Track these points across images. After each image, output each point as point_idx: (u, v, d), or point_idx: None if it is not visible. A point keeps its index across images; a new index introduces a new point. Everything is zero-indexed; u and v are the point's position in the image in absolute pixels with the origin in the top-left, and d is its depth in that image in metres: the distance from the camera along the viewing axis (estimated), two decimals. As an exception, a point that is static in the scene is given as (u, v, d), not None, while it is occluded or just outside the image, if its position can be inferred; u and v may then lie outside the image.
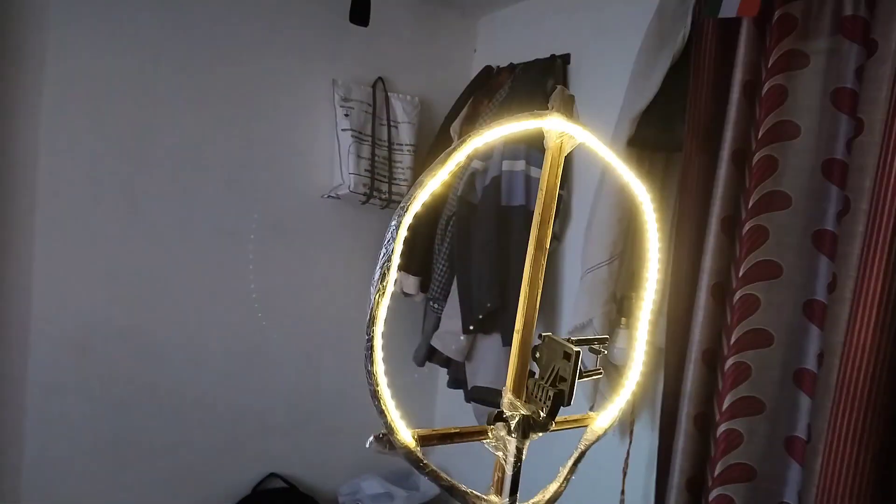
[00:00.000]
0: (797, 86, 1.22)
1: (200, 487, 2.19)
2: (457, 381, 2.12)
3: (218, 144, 2.05)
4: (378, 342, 0.67)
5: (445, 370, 2.20)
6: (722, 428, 1.31)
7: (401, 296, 2.21)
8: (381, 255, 0.66)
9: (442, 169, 0.67)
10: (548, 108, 0.76)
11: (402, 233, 0.66)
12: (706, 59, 1.35)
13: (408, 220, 0.66)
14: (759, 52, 1.27)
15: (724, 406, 1.30)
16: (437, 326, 2.07)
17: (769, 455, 1.30)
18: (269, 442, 2.29)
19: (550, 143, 0.79)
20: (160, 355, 2.07)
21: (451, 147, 0.68)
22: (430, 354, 2.14)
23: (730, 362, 1.29)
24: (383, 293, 0.65)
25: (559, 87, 0.79)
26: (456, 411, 2.39)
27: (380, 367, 0.68)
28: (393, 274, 0.66)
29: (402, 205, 0.66)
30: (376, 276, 0.66)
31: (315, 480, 2.37)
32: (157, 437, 2.10)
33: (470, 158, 1.96)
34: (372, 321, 0.66)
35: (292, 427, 2.32)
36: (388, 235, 0.65)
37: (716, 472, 1.31)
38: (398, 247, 0.66)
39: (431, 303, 2.10)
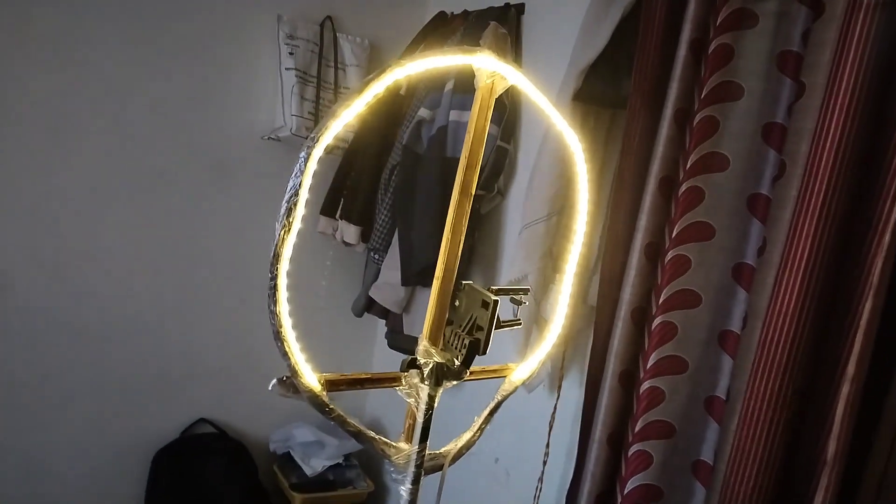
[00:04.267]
0: (744, 46, 1.20)
1: (126, 431, 2.15)
2: (394, 332, 2.10)
3: (152, 76, 1.95)
4: (282, 281, 0.64)
5: (384, 321, 2.18)
6: (645, 385, 1.32)
7: (342, 246, 2.16)
8: (288, 188, 0.62)
9: (358, 98, 0.63)
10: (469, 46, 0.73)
11: (312, 165, 0.62)
12: (656, 13, 1.32)
13: (318, 151, 0.62)
14: (708, 10, 1.24)
15: (649, 364, 1.31)
16: (376, 277, 2.04)
17: (689, 414, 1.32)
18: (200, 386, 2.26)
19: (480, 82, 0.75)
20: (85, 293, 1.99)
21: (371, 76, 0.64)
22: (369, 305, 2.12)
23: (657, 321, 1.30)
24: (289, 229, 0.62)
25: (492, 23, 0.75)
26: (394, 363, 2.39)
27: (284, 308, 0.65)
28: (300, 209, 0.62)
29: (311, 135, 0.62)
30: (282, 210, 0.62)
31: (246, 426, 2.35)
32: (79, 378, 2.04)
33: (416, 105, 1.90)
34: (276, 258, 0.63)
35: (224, 372, 2.28)
36: (296, 168, 0.61)
37: (636, 429, 1.33)
38: (307, 180, 0.62)
39: (372, 253, 2.06)
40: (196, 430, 2.26)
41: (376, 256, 2.05)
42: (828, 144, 1.06)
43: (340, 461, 2.27)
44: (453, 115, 1.81)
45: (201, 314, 2.21)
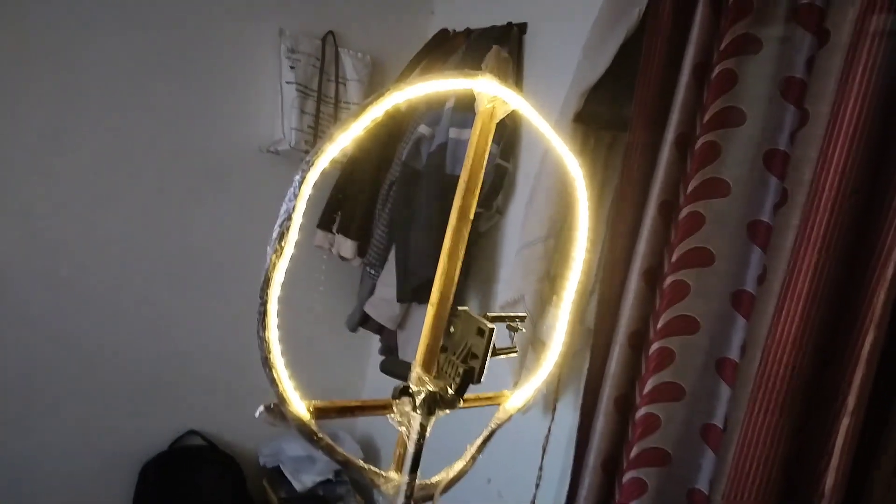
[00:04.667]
0: (747, 71, 1.19)
1: (115, 441, 2.12)
2: (389, 348, 2.09)
3: (153, 86, 1.94)
4: (273, 307, 0.62)
5: (378, 337, 2.16)
6: (641, 412, 1.30)
7: (337, 260, 2.15)
8: (281, 212, 0.60)
9: (356, 122, 0.62)
10: (471, 70, 0.71)
11: (307, 189, 0.60)
12: (659, 37, 1.31)
13: (313, 175, 0.60)
14: (712, 34, 1.24)
15: (646, 390, 1.30)
16: (372, 293, 2.02)
17: (685, 441, 1.30)
18: (190, 398, 2.23)
19: (481, 106, 0.74)
20: (76, 300, 1.98)
21: (369, 100, 0.63)
22: (364, 321, 2.10)
23: (654, 347, 1.28)
24: (280, 254, 0.60)
25: (494, 46, 0.74)
26: (387, 379, 2.36)
27: (273, 334, 0.63)
28: (293, 234, 0.61)
29: (307, 158, 0.60)
30: (275, 234, 0.60)
31: (236, 439, 2.32)
32: (69, 386, 2.01)
33: (416, 122, 1.90)
34: (266, 283, 0.61)
35: (214, 384, 2.26)
36: (290, 192, 0.60)
37: (631, 455, 1.31)
38: (300, 205, 0.60)
39: (368, 268, 2.05)
40: (185, 441, 2.24)
41: (372, 272, 2.03)
42: (830, 174, 1.05)
43: (331, 477, 2.24)
44: (453, 133, 1.80)
45: (194, 325, 2.19)
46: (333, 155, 0.61)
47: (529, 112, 0.76)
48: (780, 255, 1.14)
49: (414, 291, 1.85)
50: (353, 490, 2.32)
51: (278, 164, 2.15)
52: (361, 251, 2.10)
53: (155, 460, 2.15)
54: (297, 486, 2.16)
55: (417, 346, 2.01)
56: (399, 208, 1.91)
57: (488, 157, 1.91)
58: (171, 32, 1.92)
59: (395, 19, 2.30)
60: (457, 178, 1.87)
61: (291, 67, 2.00)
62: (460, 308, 0.80)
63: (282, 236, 0.60)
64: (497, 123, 1.57)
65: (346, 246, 2.07)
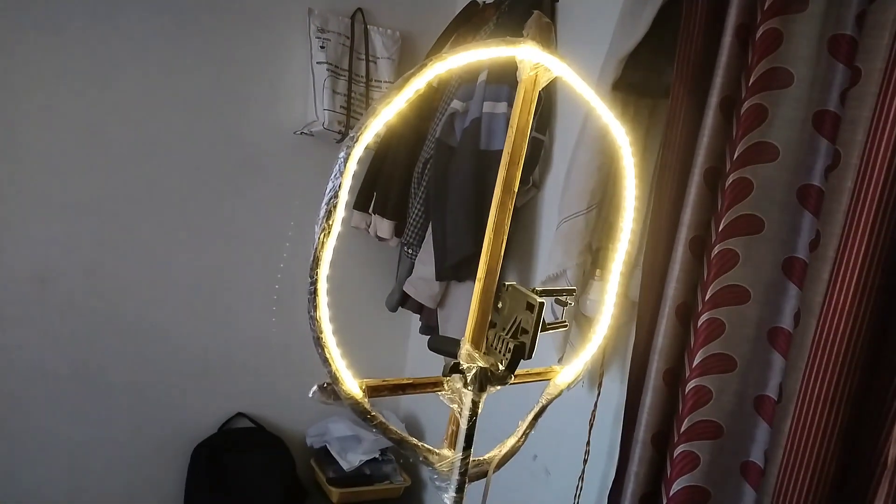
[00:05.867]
0: (793, 31, 1.14)
1: (164, 425, 2.17)
2: (429, 327, 2.09)
3: (185, 73, 1.95)
4: (322, 286, 0.62)
5: (418, 316, 2.16)
6: (691, 384, 1.28)
7: (375, 240, 2.15)
8: (328, 190, 0.60)
9: (398, 95, 0.60)
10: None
11: (352, 166, 0.59)
12: (698, 0, 1.27)
13: (358, 151, 0.59)
14: (755, -7, 1.19)
15: (695, 362, 1.27)
16: (410, 272, 2.02)
17: (738, 413, 1.27)
18: (237, 381, 2.27)
19: (524, 75, 0.72)
20: (123, 289, 2.01)
21: (410, 72, 0.61)
22: (403, 300, 2.10)
23: (703, 318, 1.25)
24: (328, 232, 0.60)
25: (536, 12, 0.72)
26: (428, 358, 2.37)
27: (324, 313, 0.63)
28: (340, 211, 0.60)
29: (351, 134, 0.59)
30: (321, 213, 0.60)
31: (283, 421, 2.36)
32: (119, 373, 2.06)
33: (449, 97, 1.87)
34: (316, 263, 0.60)
35: (261, 367, 2.29)
36: (336, 169, 0.59)
37: (682, 429, 1.29)
38: (346, 181, 0.59)
39: (406, 248, 2.04)
40: (234, 424, 2.28)
41: (410, 251, 2.03)
42: (886, 133, 1.00)
43: (377, 455, 2.27)
44: (487, 107, 1.78)
45: (237, 309, 2.21)
46: (378, 129, 0.60)
47: (573, 79, 0.74)
48: (834, 220, 1.10)
49: (453, 269, 1.84)
50: (399, 468, 2.34)
51: (312, 146, 2.15)
52: (399, 231, 2.09)
53: (206, 443, 2.19)
54: (345, 466, 2.19)
55: (457, 324, 2.01)
56: (434, 186, 1.90)
57: (524, 131, 1.87)
58: (199, 17, 1.93)
59: (423, -7, 2.27)
60: (492, 153, 1.85)
61: (321, 47, 1.99)
62: (507, 283, 0.79)
63: (329, 214, 0.59)
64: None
65: (384, 226, 2.06)
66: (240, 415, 2.28)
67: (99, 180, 1.92)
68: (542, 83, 0.73)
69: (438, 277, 1.87)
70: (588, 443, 1.64)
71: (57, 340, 1.96)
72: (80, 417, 2.03)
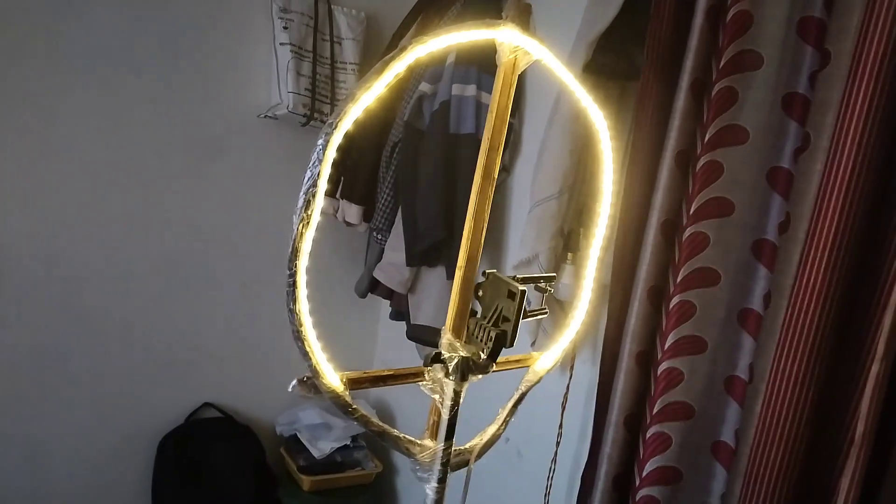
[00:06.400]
0: (763, 13, 1.15)
1: (131, 417, 2.12)
2: (399, 313, 2.07)
3: (144, 54, 1.88)
4: (302, 278, 0.60)
5: (388, 302, 2.14)
6: (663, 366, 1.29)
7: (343, 225, 2.12)
8: (306, 178, 0.57)
9: (378, 80, 0.58)
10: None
11: (331, 154, 0.57)
12: (670, -20, 1.26)
13: (337, 139, 0.57)
14: (725, -25, 1.19)
15: (667, 344, 1.28)
16: (380, 258, 2.00)
17: (708, 394, 1.29)
18: (204, 371, 2.22)
19: (503, 58, 0.70)
20: (83, 278, 1.95)
21: (390, 55, 0.59)
22: (373, 286, 2.08)
23: (675, 300, 1.27)
24: (307, 223, 0.57)
25: (514, -6, 0.70)
26: (398, 343, 2.36)
27: (304, 306, 0.61)
28: (319, 201, 0.58)
29: (330, 121, 0.57)
30: (300, 203, 0.58)
31: (252, 410, 2.33)
32: (82, 365, 2.00)
33: (417, 80, 1.85)
34: (294, 254, 0.58)
35: (228, 356, 2.25)
36: (314, 156, 0.57)
37: (654, 410, 1.31)
38: (325, 170, 0.57)
39: (374, 233, 2.02)
40: (201, 414, 2.24)
41: (379, 236, 2.00)
42: (855, 115, 1.01)
43: (348, 442, 2.25)
44: (455, 90, 1.76)
45: (202, 297, 2.17)
46: (357, 116, 0.58)
47: (553, 62, 0.73)
48: (804, 202, 1.11)
49: (423, 254, 1.83)
50: (371, 454, 2.33)
51: (277, 129, 2.10)
52: (367, 216, 2.07)
53: (172, 434, 2.15)
54: (315, 453, 2.17)
55: (429, 309, 1.99)
56: (403, 170, 1.88)
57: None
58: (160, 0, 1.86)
59: (388, -27, 2.23)
60: (462, 136, 1.83)
61: (284, 28, 1.93)
62: (488, 271, 0.78)
63: (307, 204, 0.57)
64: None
65: (352, 211, 2.04)
66: (207, 405, 2.24)
67: (56, 165, 1.84)
68: (521, 67, 0.72)
69: (409, 263, 1.85)
70: (560, 425, 1.65)
71: (14, 332, 1.89)
72: (40, 412, 1.97)
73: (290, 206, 2.05)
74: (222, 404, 2.27)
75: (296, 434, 2.26)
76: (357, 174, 2.02)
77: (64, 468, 2.05)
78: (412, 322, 1.95)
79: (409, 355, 2.06)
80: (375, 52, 2.13)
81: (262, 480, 2.21)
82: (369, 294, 2.13)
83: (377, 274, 1.98)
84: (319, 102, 2.00)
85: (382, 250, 1.99)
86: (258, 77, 2.04)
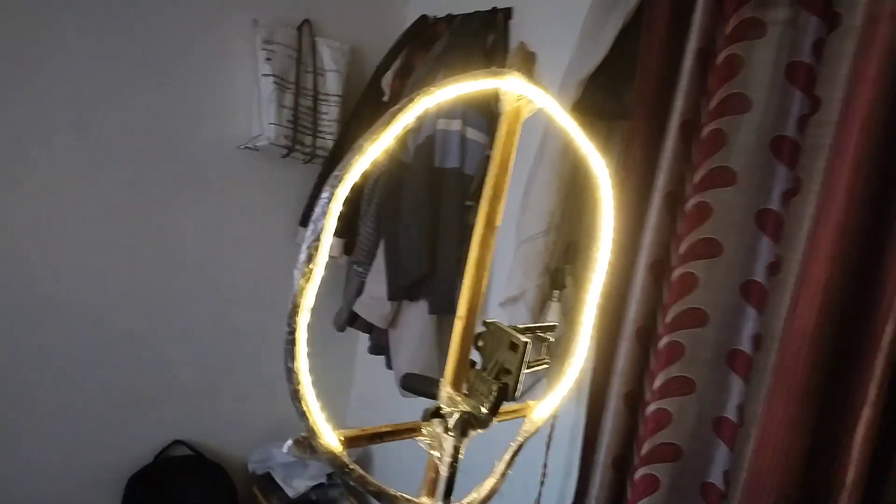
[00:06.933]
0: (753, 57, 1.16)
1: (97, 455, 2.04)
2: (379, 347, 2.04)
3: (124, 82, 1.84)
4: (302, 335, 0.57)
5: (367, 336, 2.11)
6: (652, 407, 1.28)
7: (322, 256, 2.08)
8: (309, 232, 0.55)
9: (385, 132, 0.56)
10: (496, 66, 0.66)
11: (336, 207, 0.55)
12: (659, 23, 1.27)
13: (343, 192, 0.55)
14: (715, 19, 1.20)
15: (656, 385, 1.27)
16: (360, 291, 1.97)
17: (697, 435, 1.28)
18: (174, 407, 2.15)
19: (507, 106, 0.69)
20: (50, 308, 1.88)
21: (398, 106, 0.57)
22: (352, 320, 2.04)
23: (664, 341, 1.26)
24: (310, 278, 0.55)
25: (520, 42, 0.69)
26: (376, 378, 2.31)
27: (304, 364, 0.58)
28: (323, 256, 0.55)
29: (335, 173, 0.55)
30: (302, 257, 0.55)
31: (223, 447, 2.25)
32: (46, 401, 1.92)
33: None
34: (295, 310, 0.55)
35: (199, 391, 2.18)
36: (318, 210, 0.54)
37: (643, 451, 1.29)
38: (330, 224, 0.55)
39: (355, 266, 1.99)
40: (171, 452, 2.16)
41: (360, 269, 1.97)
42: (847, 161, 1.02)
43: (323, 480, 2.19)
44: (441, 124, 1.75)
45: (174, 330, 2.10)
46: (364, 168, 0.55)
47: (556, 110, 0.72)
48: (795, 245, 1.12)
49: (406, 289, 1.80)
50: (347, 492, 2.27)
51: (258, 161, 2.07)
52: (348, 249, 2.04)
53: (141, 473, 2.07)
54: (290, 493, 2.11)
55: (410, 345, 1.95)
56: (386, 203, 1.86)
57: (477, 149, 1.85)
58: (140, 26, 1.82)
59: (371, 6, 2.22)
60: (446, 170, 1.82)
61: (268, 59, 1.91)
62: (488, 321, 0.76)
63: (310, 258, 0.54)
64: (484, 114, 1.51)
65: (332, 244, 2.00)
66: (177, 442, 2.17)
67: (25, 192, 1.78)
68: (525, 115, 0.70)
69: (391, 297, 1.82)
70: (545, 464, 1.62)
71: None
72: (5, 451, 1.88)
73: (270, 236, 2.03)
74: (193, 441, 2.19)
75: (269, 472, 2.20)
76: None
77: (27, 507, 1.96)
78: (394, 359, 1.92)
79: (388, 390, 2.02)
80: (358, 83, 2.11)
81: (235, 520, 2.14)
82: (347, 328, 2.09)
83: (357, 308, 1.95)
84: (301, 134, 1.98)
85: (363, 283, 1.96)
86: (240, 108, 2.01)
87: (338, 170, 0.55)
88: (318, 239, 0.55)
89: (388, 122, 0.56)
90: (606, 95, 1.37)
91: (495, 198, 0.70)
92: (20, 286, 1.83)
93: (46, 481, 1.97)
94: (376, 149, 0.56)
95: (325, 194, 0.55)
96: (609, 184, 0.80)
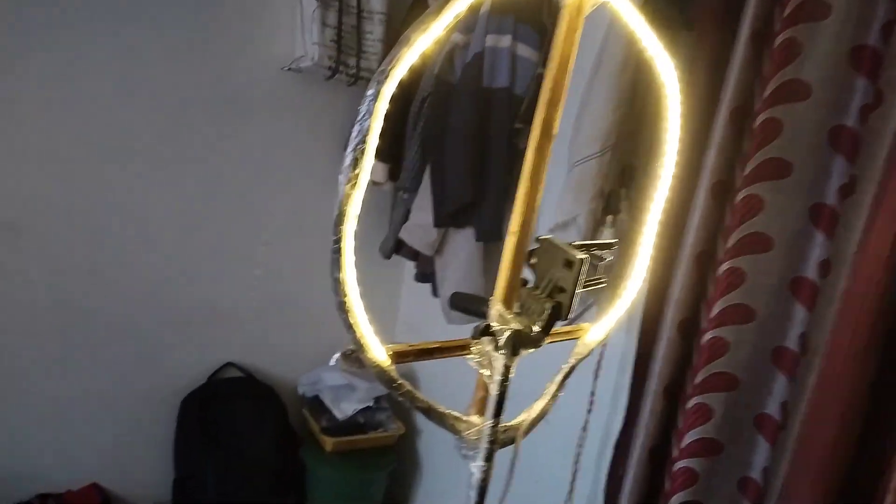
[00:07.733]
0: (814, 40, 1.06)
1: (152, 376, 2.10)
2: (425, 275, 2.02)
3: (163, 7, 1.80)
4: (348, 244, 0.54)
5: (412, 263, 2.09)
6: (708, 335, 1.23)
7: (369, 183, 2.05)
8: (354, 134, 0.51)
9: (436, 22, 0.51)
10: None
11: (382, 106, 0.51)
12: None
13: (390, 89, 0.51)
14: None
15: (713, 313, 1.22)
16: (406, 218, 1.94)
17: (755, 365, 1.23)
18: (226, 330, 2.20)
19: (566, 0, 0.63)
20: (103, 237, 1.91)
21: (449, -7, 0.52)
22: (398, 247, 2.02)
23: (724, 267, 1.20)
24: (355, 184, 0.51)
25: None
26: (422, 305, 2.31)
27: (350, 275, 0.55)
28: (369, 160, 0.51)
29: (381, 68, 0.50)
30: (347, 161, 0.51)
31: (274, 370, 2.30)
32: (103, 324, 1.97)
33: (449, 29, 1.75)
34: (340, 218, 0.52)
35: (250, 315, 2.22)
36: (364, 108, 0.50)
37: (696, 381, 1.25)
38: (376, 124, 0.51)
39: (401, 192, 1.95)
40: (223, 374, 2.22)
41: (405, 196, 1.94)
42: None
43: (371, 404, 2.22)
44: (490, 41, 1.66)
45: (224, 257, 2.12)
46: (412, 62, 0.51)
47: (623, 5, 0.65)
48: (873, 164, 1.03)
49: (452, 216, 1.76)
50: (394, 416, 2.31)
51: (301, 82, 2.02)
52: (393, 174, 2.00)
53: (194, 394, 2.14)
54: (338, 415, 2.15)
55: (456, 272, 1.92)
56: (432, 127, 1.80)
57: (528, 67, 1.75)
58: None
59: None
60: (495, 90, 1.74)
61: (309, -26, 1.84)
62: (541, 237, 0.72)
63: (356, 163, 0.51)
64: (536, 28, 1.40)
65: (377, 169, 1.97)
66: (229, 364, 2.22)
67: (75, 124, 1.79)
68: (587, 10, 0.64)
69: (437, 224, 1.79)
70: (592, 392, 1.60)
71: (34, 292, 1.86)
72: (62, 372, 1.96)
73: (315, 162, 1.98)
74: (244, 364, 2.25)
75: (318, 395, 2.24)
76: (383, 130, 1.94)
77: (86, 428, 2.04)
78: (440, 286, 1.90)
79: (434, 318, 2.01)
80: (404, 0, 2.03)
81: (285, 441, 2.20)
82: (394, 255, 2.08)
83: (403, 235, 1.92)
84: (345, 55, 1.92)
85: (409, 210, 1.93)
86: (281, 28, 1.96)
87: (384, 64, 0.50)
88: (363, 141, 0.51)
89: (438, 13, 0.51)
90: (670, 4, 1.27)
91: (553, 102, 0.65)
92: (75, 217, 1.86)
93: (104, 400, 2.05)
94: (426, 40, 0.51)
95: (370, 91, 0.50)
96: (677, 89, 0.73)
